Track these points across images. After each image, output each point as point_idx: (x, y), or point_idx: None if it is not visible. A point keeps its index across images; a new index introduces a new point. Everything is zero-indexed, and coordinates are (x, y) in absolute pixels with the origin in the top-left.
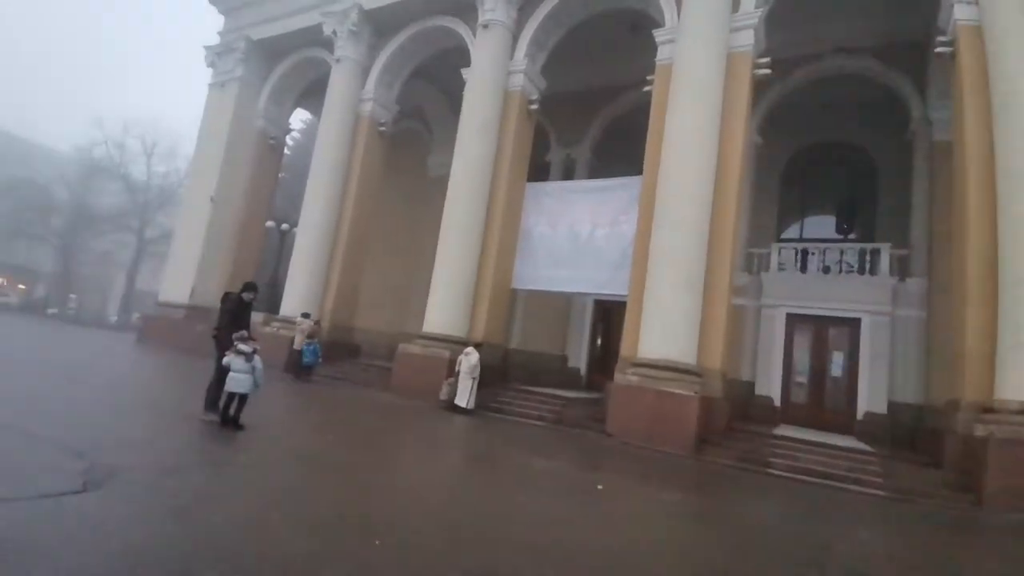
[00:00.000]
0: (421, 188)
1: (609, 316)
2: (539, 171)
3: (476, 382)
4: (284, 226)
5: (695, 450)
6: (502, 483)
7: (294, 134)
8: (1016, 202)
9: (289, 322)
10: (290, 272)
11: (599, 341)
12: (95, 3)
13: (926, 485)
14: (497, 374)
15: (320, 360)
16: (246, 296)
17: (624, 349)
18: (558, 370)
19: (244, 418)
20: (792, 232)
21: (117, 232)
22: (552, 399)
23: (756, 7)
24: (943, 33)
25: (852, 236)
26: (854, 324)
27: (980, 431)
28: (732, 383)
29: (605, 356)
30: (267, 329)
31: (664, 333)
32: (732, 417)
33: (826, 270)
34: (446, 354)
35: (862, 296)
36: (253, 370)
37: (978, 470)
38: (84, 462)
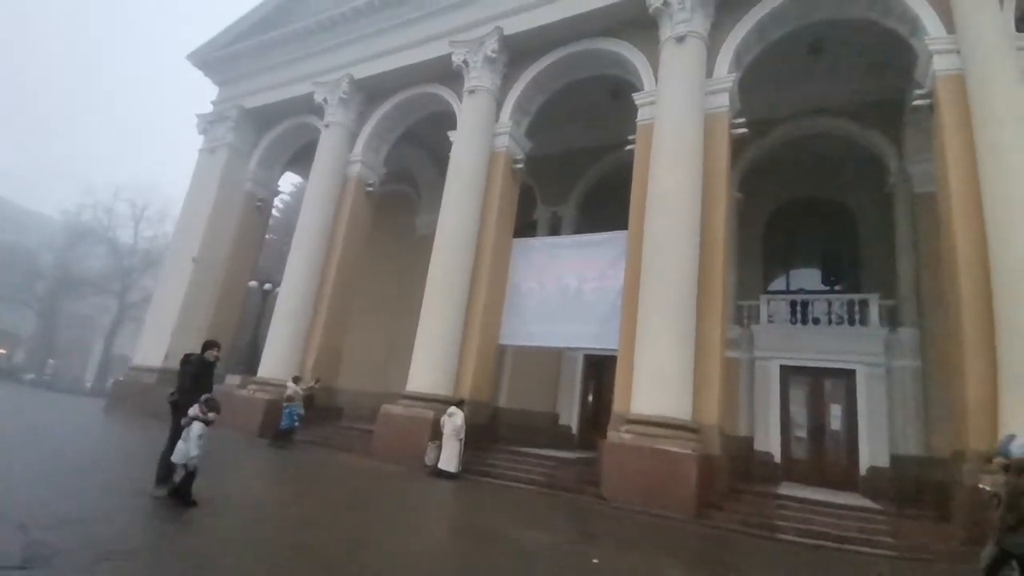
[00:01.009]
0: (409, 248)
1: (600, 371)
2: (526, 229)
3: (462, 444)
4: (267, 286)
5: (696, 513)
6: (488, 564)
7: (284, 196)
8: (1009, 248)
9: (267, 384)
10: (270, 332)
11: (590, 397)
12: (96, 72)
13: (936, 541)
14: (486, 434)
15: (298, 424)
16: (209, 356)
17: (617, 405)
18: (549, 428)
19: (204, 491)
20: (778, 285)
21: (99, 296)
22: (543, 460)
23: (729, 72)
24: (920, 86)
25: (838, 288)
26: (849, 376)
27: (986, 482)
28: (730, 439)
29: (597, 413)
30: (243, 392)
31: (657, 388)
32: (733, 475)
33: (816, 321)
34: (430, 414)
35: (854, 347)
36: (188, 438)
37: (986, 522)
38: (25, 537)
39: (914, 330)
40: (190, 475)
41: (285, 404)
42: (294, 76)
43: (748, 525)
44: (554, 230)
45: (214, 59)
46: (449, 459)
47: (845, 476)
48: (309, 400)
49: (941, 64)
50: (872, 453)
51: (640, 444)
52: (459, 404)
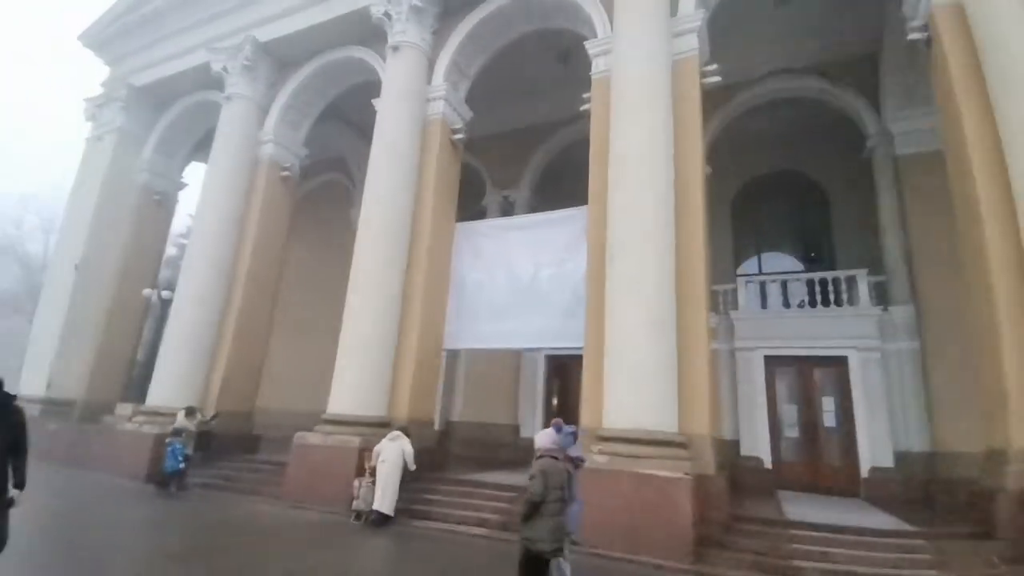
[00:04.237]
0: (348, 246)
1: (565, 372)
2: (475, 216)
3: (398, 479)
4: (165, 294)
5: (693, 555)
6: None
7: None
8: None
9: (156, 414)
10: (162, 350)
11: (555, 402)
12: None
13: (985, 566)
14: (431, 461)
15: (183, 465)
16: None
17: (585, 417)
18: (511, 443)
19: None
20: (750, 267)
21: (15, 316)
22: (498, 492)
23: (696, 8)
24: (912, 18)
25: (814, 267)
26: (841, 363)
27: None
28: (717, 445)
29: (564, 421)
30: (128, 426)
31: (633, 393)
32: (732, 498)
33: (800, 304)
34: (355, 442)
35: (845, 331)
36: None
37: None
38: None
39: (908, 307)
40: None
41: (168, 441)
42: (190, 44)
43: (761, 571)
44: (506, 216)
45: (106, 36)
46: (387, 499)
47: (845, 480)
48: (205, 437)
49: None
50: (873, 451)
51: (617, 468)
52: (403, 430)
